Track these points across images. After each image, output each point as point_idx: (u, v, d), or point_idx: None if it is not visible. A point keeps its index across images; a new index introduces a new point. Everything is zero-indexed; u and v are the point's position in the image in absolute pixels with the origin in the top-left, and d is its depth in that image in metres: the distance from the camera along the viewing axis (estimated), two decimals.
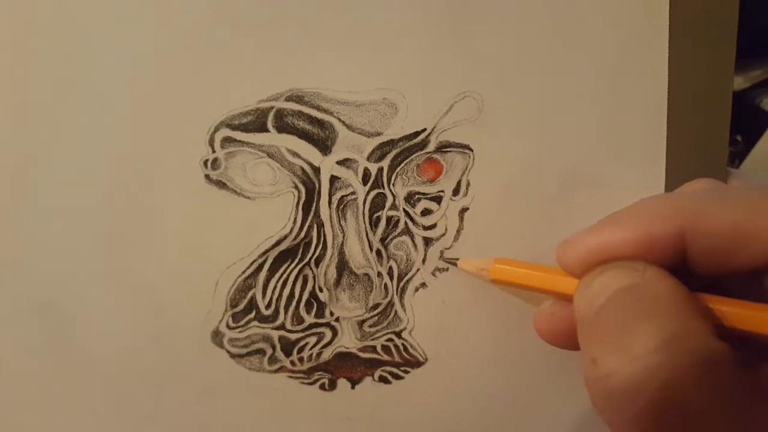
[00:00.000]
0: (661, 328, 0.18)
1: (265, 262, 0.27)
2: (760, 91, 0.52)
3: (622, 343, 0.18)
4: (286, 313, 0.28)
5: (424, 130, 0.27)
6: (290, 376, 0.28)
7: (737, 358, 0.18)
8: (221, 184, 0.27)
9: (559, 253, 0.23)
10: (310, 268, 0.28)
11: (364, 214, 0.28)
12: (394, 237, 0.28)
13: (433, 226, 0.28)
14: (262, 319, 0.28)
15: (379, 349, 0.28)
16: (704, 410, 0.17)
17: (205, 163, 0.27)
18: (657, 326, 0.18)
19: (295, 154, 0.27)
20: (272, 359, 0.28)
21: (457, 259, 0.28)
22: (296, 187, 0.27)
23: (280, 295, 0.28)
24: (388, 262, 0.28)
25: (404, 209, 0.28)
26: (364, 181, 0.27)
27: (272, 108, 0.27)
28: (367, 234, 0.28)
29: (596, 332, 0.20)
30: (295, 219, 0.27)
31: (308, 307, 0.28)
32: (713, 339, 0.18)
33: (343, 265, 0.28)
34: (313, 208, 0.27)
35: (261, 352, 0.28)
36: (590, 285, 0.21)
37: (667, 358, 0.18)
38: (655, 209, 0.21)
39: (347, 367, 0.28)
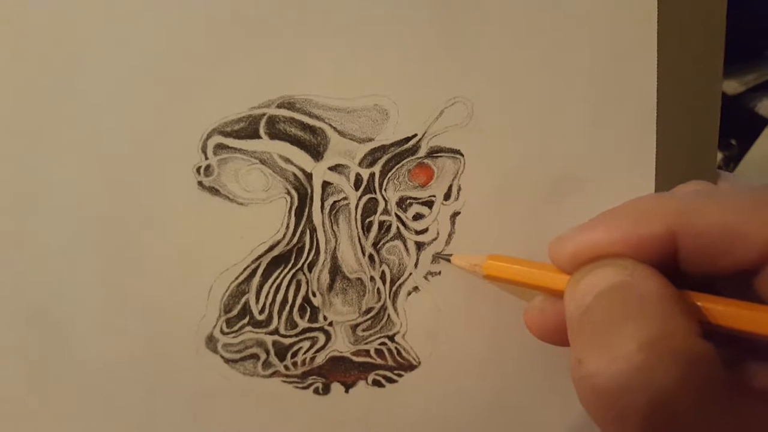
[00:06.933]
0: (645, 328, 0.18)
1: (258, 267, 0.28)
2: (754, 95, 0.52)
3: (606, 343, 0.19)
4: (279, 317, 0.28)
5: (415, 135, 0.28)
6: (284, 381, 0.28)
7: (722, 357, 0.18)
8: (214, 191, 0.27)
9: (551, 250, 0.23)
10: (303, 273, 0.28)
11: (356, 219, 0.28)
12: (387, 241, 0.28)
13: (424, 231, 0.28)
14: (256, 324, 0.28)
15: (372, 353, 0.29)
16: (688, 410, 0.18)
17: (198, 169, 0.27)
18: (640, 326, 0.18)
19: (288, 161, 0.27)
20: (266, 364, 0.28)
21: (451, 254, 0.28)
22: (289, 193, 0.27)
23: (274, 300, 0.28)
24: (380, 266, 0.28)
25: (396, 214, 0.28)
26: (356, 187, 0.28)
27: (264, 115, 0.27)
28: (359, 239, 0.28)
29: (583, 331, 0.20)
30: (287, 224, 0.28)
31: (302, 311, 0.28)
32: (697, 338, 0.18)
33: (336, 270, 0.28)
34: (306, 214, 0.28)
35: (255, 356, 0.28)
36: (579, 283, 0.21)
37: (649, 359, 0.18)
38: (646, 208, 0.22)
39: (341, 372, 0.29)
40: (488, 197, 0.28)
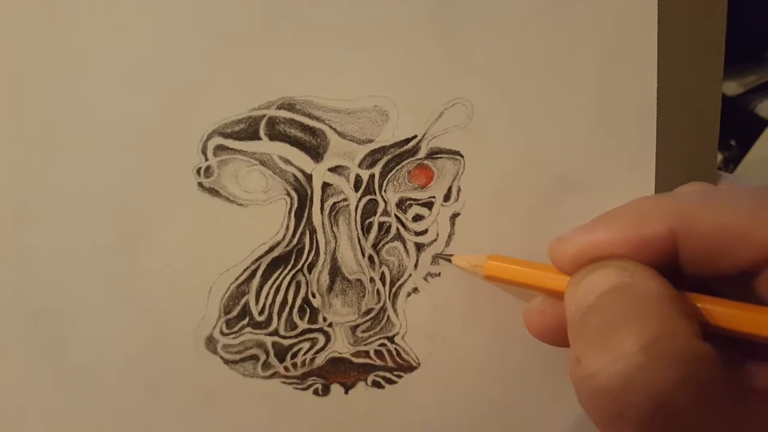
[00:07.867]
0: (645, 329, 0.18)
1: (258, 268, 0.28)
2: (754, 96, 0.52)
3: (606, 344, 0.19)
4: (279, 318, 0.28)
5: (415, 136, 0.28)
6: (284, 382, 0.28)
7: (722, 358, 0.18)
8: (214, 192, 0.27)
9: (551, 250, 0.23)
10: (303, 274, 0.28)
11: (356, 220, 0.28)
12: (386, 243, 0.28)
13: (424, 232, 0.28)
14: (256, 325, 0.28)
15: (372, 354, 0.29)
16: (687, 410, 0.18)
17: (198, 171, 0.27)
18: (641, 327, 0.18)
19: (288, 162, 0.27)
20: (266, 365, 0.28)
21: (452, 255, 0.28)
22: (288, 194, 0.27)
23: (273, 301, 0.28)
24: (380, 267, 0.28)
25: (396, 215, 0.28)
26: (356, 188, 0.28)
27: (264, 116, 0.27)
28: (359, 240, 0.28)
29: (583, 331, 0.20)
30: (287, 226, 0.28)
31: (301, 312, 0.28)
32: (697, 339, 0.18)
33: (335, 271, 0.28)
34: (306, 215, 0.28)
35: (255, 357, 0.28)
36: (580, 284, 0.21)
37: (649, 360, 0.18)
38: (647, 209, 0.22)
39: (340, 373, 0.29)
40: (488, 198, 0.28)
